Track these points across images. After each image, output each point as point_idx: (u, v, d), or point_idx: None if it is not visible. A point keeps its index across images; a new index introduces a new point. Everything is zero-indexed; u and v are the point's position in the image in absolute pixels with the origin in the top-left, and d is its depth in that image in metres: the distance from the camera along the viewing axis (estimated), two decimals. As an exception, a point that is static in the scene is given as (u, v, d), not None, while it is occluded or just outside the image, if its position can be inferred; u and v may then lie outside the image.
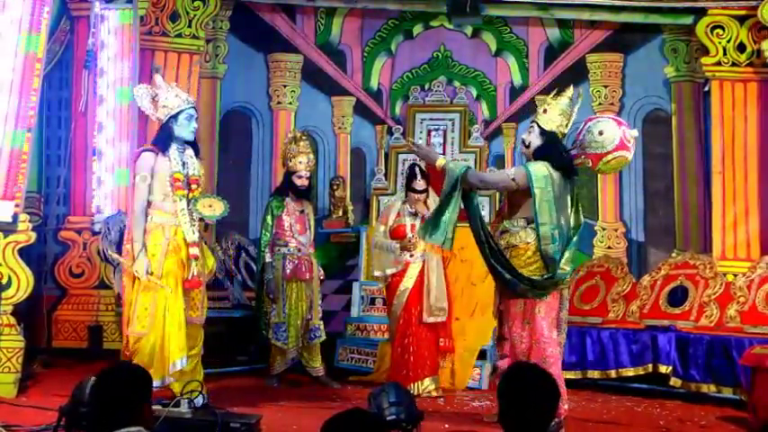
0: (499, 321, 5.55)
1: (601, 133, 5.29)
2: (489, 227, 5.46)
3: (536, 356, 5.14)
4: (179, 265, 5.41)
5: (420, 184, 6.65)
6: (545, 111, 5.40)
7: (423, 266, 6.62)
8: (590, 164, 5.39)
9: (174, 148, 5.51)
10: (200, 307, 5.57)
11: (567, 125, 5.39)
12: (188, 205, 5.46)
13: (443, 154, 8.20)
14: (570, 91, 5.47)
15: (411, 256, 6.63)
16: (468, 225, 5.43)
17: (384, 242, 6.72)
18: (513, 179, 5.26)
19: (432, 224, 5.32)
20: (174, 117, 5.51)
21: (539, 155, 5.34)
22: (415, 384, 6.43)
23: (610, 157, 5.30)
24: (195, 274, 5.43)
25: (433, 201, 6.72)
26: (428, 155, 5.59)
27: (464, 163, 5.35)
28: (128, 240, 5.49)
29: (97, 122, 7.84)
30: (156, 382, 4.87)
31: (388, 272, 6.65)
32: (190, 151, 5.60)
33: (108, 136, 7.87)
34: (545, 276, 5.19)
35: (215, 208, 5.54)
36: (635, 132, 5.40)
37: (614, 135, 5.29)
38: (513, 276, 5.18)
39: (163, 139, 5.54)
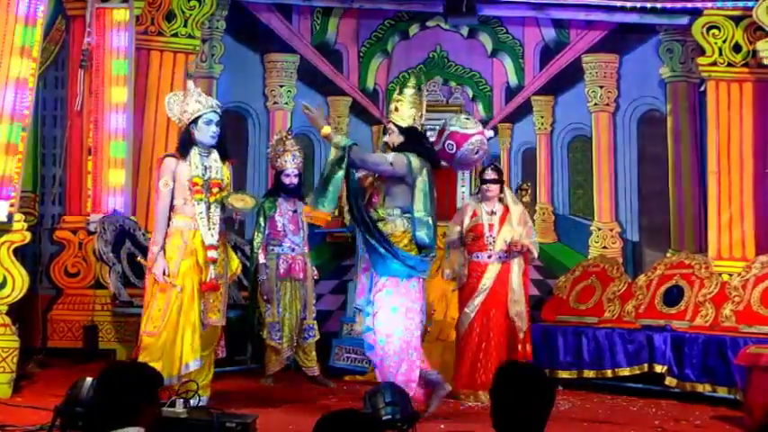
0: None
1: (468, 119, 5.69)
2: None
3: None
4: (195, 268, 5.44)
5: (490, 174, 6.50)
6: (396, 109, 5.53)
7: (501, 268, 6.45)
8: (453, 148, 5.58)
9: (195, 153, 5.53)
10: (220, 309, 5.57)
11: (421, 115, 5.54)
12: (207, 209, 5.48)
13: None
14: (413, 80, 5.61)
15: (489, 257, 6.47)
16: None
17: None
18: (392, 164, 5.39)
19: (321, 193, 5.38)
20: (194, 122, 5.54)
21: (402, 149, 5.47)
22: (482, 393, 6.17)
23: (474, 139, 5.57)
24: (213, 276, 5.46)
25: (511, 198, 6.65)
26: (317, 121, 5.59)
27: (347, 138, 5.55)
28: (151, 243, 5.59)
29: (93, 120, 7.81)
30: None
31: (467, 271, 6.47)
32: (215, 155, 5.60)
33: (104, 133, 7.83)
34: (427, 255, 5.47)
35: (246, 201, 5.65)
36: (491, 133, 5.89)
37: (477, 123, 5.76)
38: (386, 251, 5.33)
39: (183, 144, 5.59)
